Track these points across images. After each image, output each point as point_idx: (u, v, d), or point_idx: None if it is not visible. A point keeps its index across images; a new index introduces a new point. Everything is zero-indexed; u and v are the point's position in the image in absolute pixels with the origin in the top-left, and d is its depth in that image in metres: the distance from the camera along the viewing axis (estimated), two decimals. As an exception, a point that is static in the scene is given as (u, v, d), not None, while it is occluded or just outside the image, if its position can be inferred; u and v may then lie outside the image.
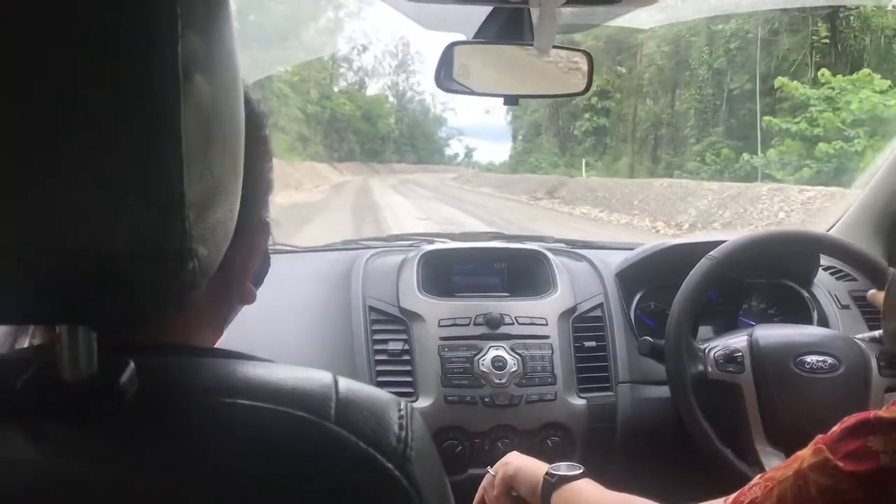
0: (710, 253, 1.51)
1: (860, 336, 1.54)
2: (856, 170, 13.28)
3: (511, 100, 1.48)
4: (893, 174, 1.94)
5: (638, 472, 1.50)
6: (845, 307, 1.78)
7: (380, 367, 1.57)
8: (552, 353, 1.61)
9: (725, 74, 24.22)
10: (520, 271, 1.80)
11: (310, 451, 0.49)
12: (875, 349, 1.47)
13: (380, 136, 67.40)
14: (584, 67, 1.48)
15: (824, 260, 1.84)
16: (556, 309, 1.68)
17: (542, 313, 1.66)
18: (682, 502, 0.97)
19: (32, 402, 0.47)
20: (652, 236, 13.54)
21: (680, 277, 1.54)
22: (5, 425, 0.47)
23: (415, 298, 1.65)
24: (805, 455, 0.87)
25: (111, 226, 0.42)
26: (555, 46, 1.44)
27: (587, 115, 34.09)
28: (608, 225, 16.85)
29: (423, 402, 1.54)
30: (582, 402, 1.60)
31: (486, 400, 1.55)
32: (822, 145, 15.83)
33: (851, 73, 16.83)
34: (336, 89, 57.74)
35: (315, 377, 0.54)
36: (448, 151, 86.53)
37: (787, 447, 1.38)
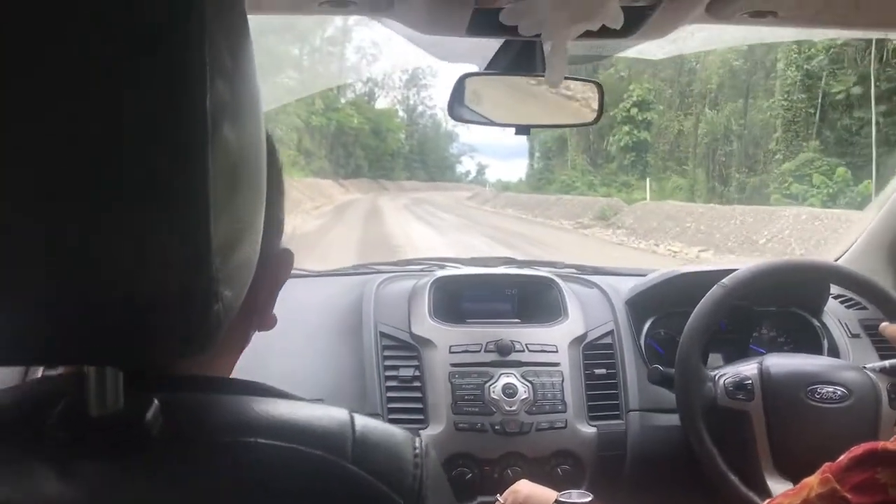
0: (722, 281, 1.52)
1: (871, 366, 1.54)
2: None
3: (523, 130, 1.50)
4: None
5: (647, 501, 1.50)
6: (856, 336, 1.78)
7: (391, 394, 1.58)
8: (563, 380, 1.61)
9: (820, 77, 20.41)
10: (530, 298, 1.80)
11: (328, 491, 0.50)
12: (886, 380, 1.47)
13: (389, 151, 63.84)
14: (595, 98, 1.50)
15: (835, 289, 1.84)
16: (566, 336, 1.68)
17: (552, 340, 1.67)
18: None
19: (63, 438, 0.48)
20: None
21: (690, 305, 1.55)
22: (37, 460, 0.48)
23: (426, 325, 1.66)
24: (812, 483, 0.87)
25: (140, 270, 0.44)
26: (567, 78, 1.47)
27: (626, 128, 30.70)
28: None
29: (433, 430, 1.55)
30: (592, 429, 1.60)
31: (496, 427, 1.55)
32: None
33: None
34: (343, 101, 53.58)
35: (332, 415, 0.55)
36: (459, 169, 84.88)
37: (796, 476, 1.37)
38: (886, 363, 1.54)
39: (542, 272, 1.87)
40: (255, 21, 0.56)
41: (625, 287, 1.84)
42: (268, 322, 0.71)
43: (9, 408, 0.53)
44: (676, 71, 30.20)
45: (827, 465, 0.88)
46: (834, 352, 1.75)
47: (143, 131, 0.43)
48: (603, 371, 1.67)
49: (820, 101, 20.42)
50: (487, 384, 1.58)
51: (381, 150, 61.35)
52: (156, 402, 0.50)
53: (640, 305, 1.79)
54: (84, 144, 0.42)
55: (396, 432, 0.57)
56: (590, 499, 1.12)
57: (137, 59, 0.42)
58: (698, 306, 1.51)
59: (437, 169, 76.74)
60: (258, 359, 1.48)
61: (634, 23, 1.16)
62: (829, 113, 19.98)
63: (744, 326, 1.82)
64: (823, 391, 1.44)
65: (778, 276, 1.54)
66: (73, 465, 0.47)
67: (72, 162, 0.42)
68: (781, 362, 1.51)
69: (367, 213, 27.45)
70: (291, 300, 1.73)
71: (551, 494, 1.15)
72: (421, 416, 1.57)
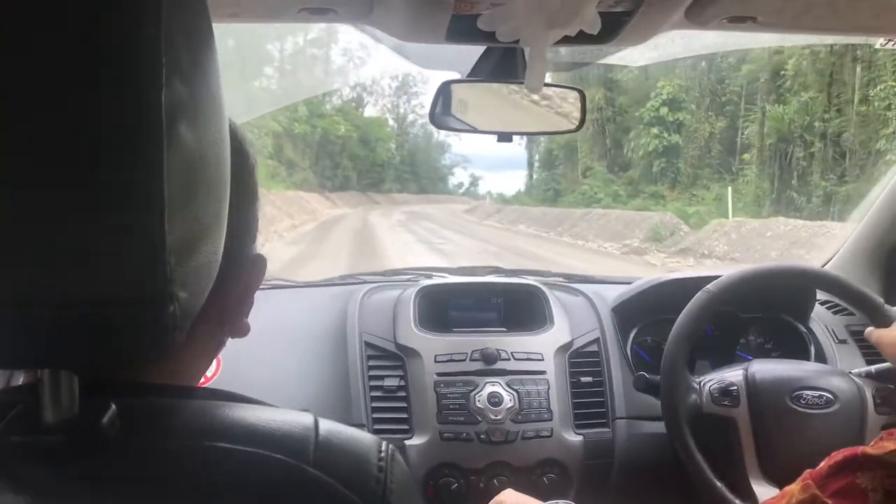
0: (706, 287, 1.52)
1: (856, 371, 1.53)
2: None
3: (505, 137, 1.50)
4: (889, 207, 1.95)
5: None
6: (842, 342, 1.78)
7: (375, 404, 1.57)
8: (548, 388, 1.61)
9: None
10: (516, 306, 1.80)
11: (289, 494, 0.49)
12: (871, 385, 1.47)
13: (379, 162, 58.58)
14: (578, 105, 1.50)
15: (821, 294, 1.84)
16: (552, 344, 1.68)
17: (538, 349, 1.66)
18: None
19: (14, 446, 0.47)
20: None
21: (676, 312, 1.54)
22: None
23: (411, 334, 1.65)
24: (794, 491, 0.87)
25: (92, 272, 0.43)
26: (549, 85, 1.47)
27: (655, 131, 26.20)
28: None
29: (418, 439, 1.54)
30: (578, 438, 1.60)
31: (481, 436, 1.54)
32: None
33: None
34: (329, 107, 48.30)
35: (295, 419, 0.54)
36: (452, 180, 78.53)
37: (782, 482, 1.37)
38: (872, 368, 1.54)
39: (528, 280, 1.87)
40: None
41: (611, 295, 1.84)
42: (240, 328, 0.70)
43: None
44: (706, 67, 26.39)
45: (808, 471, 0.87)
46: (821, 357, 1.75)
47: (95, 130, 0.42)
48: (589, 379, 1.67)
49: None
50: (473, 393, 1.57)
51: (370, 160, 56.88)
52: (113, 406, 0.49)
53: (626, 313, 1.79)
54: (36, 143, 0.42)
55: (362, 437, 0.56)
56: None
57: (91, 57, 0.42)
58: (683, 312, 1.51)
59: (428, 180, 71.96)
60: (243, 369, 1.49)
61: (613, 28, 1.16)
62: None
63: (731, 333, 1.82)
64: (809, 397, 1.44)
65: (762, 282, 1.54)
66: (23, 469, 0.47)
67: (23, 161, 0.42)
68: (767, 368, 1.51)
69: (356, 233, 22.49)
70: (276, 311, 1.74)
71: None
72: (406, 426, 1.56)
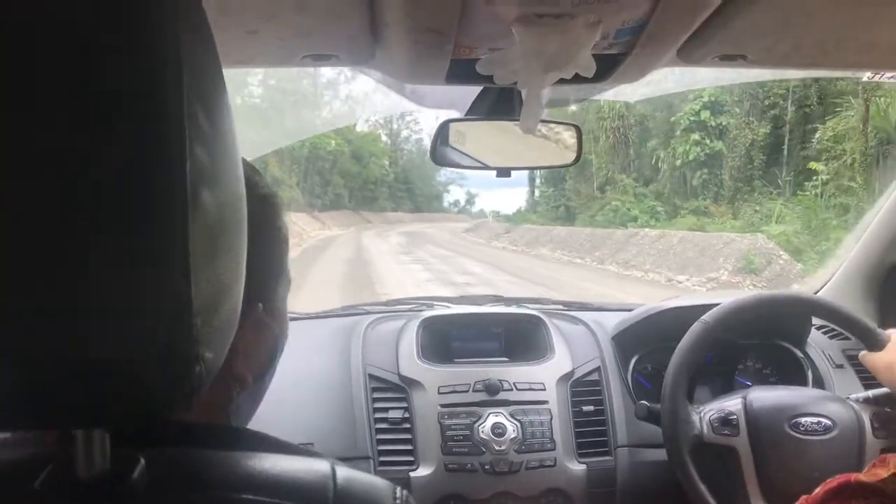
0: (702, 318, 1.54)
1: (854, 396, 1.55)
2: None
3: (504, 172, 1.53)
4: (883, 232, 1.97)
5: None
6: (839, 367, 1.80)
7: (380, 436, 1.58)
8: (551, 418, 1.62)
9: None
10: (517, 336, 1.82)
11: None
12: (869, 410, 1.49)
13: (372, 179, 55.06)
14: (574, 140, 1.53)
15: (817, 320, 1.86)
16: (553, 374, 1.70)
17: (540, 378, 1.68)
18: None
19: (52, 502, 0.50)
20: None
21: (676, 339, 1.56)
22: None
23: (414, 366, 1.67)
24: None
25: (123, 334, 0.45)
26: (545, 121, 1.50)
27: (696, 136, 22.88)
28: None
29: (423, 471, 1.55)
30: (581, 466, 1.61)
31: (486, 467, 1.55)
32: None
33: None
34: (318, 121, 46.21)
35: (314, 468, 0.57)
36: (447, 198, 77.75)
37: None
38: (870, 393, 1.56)
39: (528, 310, 1.89)
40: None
41: (610, 323, 1.86)
42: (243, 380, 0.72)
43: None
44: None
45: (804, 498, 0.89)
46: (819, 383, 1.77)
47: (123, 200, 0.44)
48: (591, 408, 1.68)
49: None
50: (476, 424, 1.59)
51: (362, 177, 53.16)
52: (142, 460, 0.51)
53: (627, 341, 1.81)
54: (67, 212, 0.43)
55: (377, 483, 0.58)
56: None
57: (115, 129, 0.44)
58: (680, 344, 1.53)
59: (423, 199, 70.09)
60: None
61: (607, 69, 1.20)
62: None
63: (729, 359, 1.84)
64: (807, 423, 1.46)
65: (758, 311, 1.56)
66: None
67: (55, 228, 0.43)
68: (764, 396, 1.53)
69: (348, 262, 19.02)
70: None
71: None
72: (411, 458, 1.57)
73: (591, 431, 1.66)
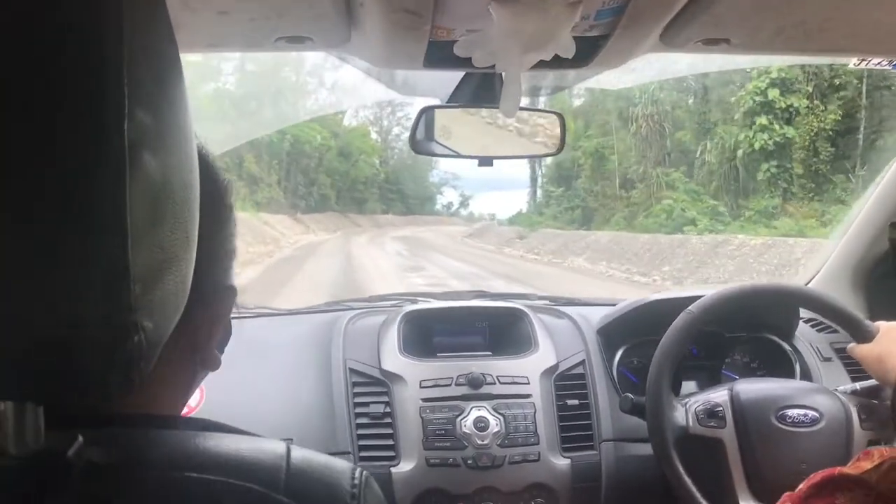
0: (688, 308, 1.52)
1: (842, 388, 1.54)
2: None
3: (486, 161, 1.51)
4: (870, 223, 1.96)
5: None
6: (827, 359, 1.78)
7: (361, 431, 1.56)
8: (535, 412, 1.60)
9: None
10: (501, 330, 1.80)
11: None
12: (856, 401, 1.47)
13: (362, 179, 49.91)
14: (557, 128, 1.51)
15: (805, 313, 1.84)
16: (537, 367, 1.67)
17: (523, 372, 1.66)
18: None
19: None
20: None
21: (661, 333, 1.54)
22: None
23: (396, 360, 1.65)
24: None
25: (54, 301, 0.43)
26: (526, 109, 1.48)
27: (763, 121, 18.46)
28: None
29: (404, 466, 1.53)
30: (566, 461, 1.59)
31: (468, 462, 1.53)
32: None
33: None
34: (302, 112, 41.80)
35: (267, 448, 0.54)
36: (440, 200, 70.96)
37: (771, 501, 1.37)
38: (857, 385, 1.54)
39: (513, 304, 1.87)
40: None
41: (595, 317, 1.84)
42: (211, 361, 0.70)
43: None
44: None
45: (787, 494, 0.87)
46: (806, 375, 1.75)
47: (55, 158, 0.42)
48: (575, 402, 1.66)
49: None
50: (459, 418, 1.56)
51: (351, 176, 47.86)
52: (80, 438, 0.48)
53: (612, 334, 1.79)
54: None
55: (335, 464, 0.56)
56: None
57: (50, 86, 0.42)
58: (665, 335, 1.51)
59: (416, 201, 64.41)
60: (227, 398, 1.47)
61: (588, 53, 1.17)
62: None
63: (716, 353, 1.82)
64: (794, 414, 1.44)
65: (743, 301, 1.55)
66: None
67: None
68: (751, 387, 1.51)
69: (333, 284, 14.05)
70: (260, 338, 1.73)
71: None
72: (392, 453, 1.55)
73: (575, 425, 1.64)
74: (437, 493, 1.53)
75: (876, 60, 1.41)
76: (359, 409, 1.58)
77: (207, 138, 0.68)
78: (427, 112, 1.46)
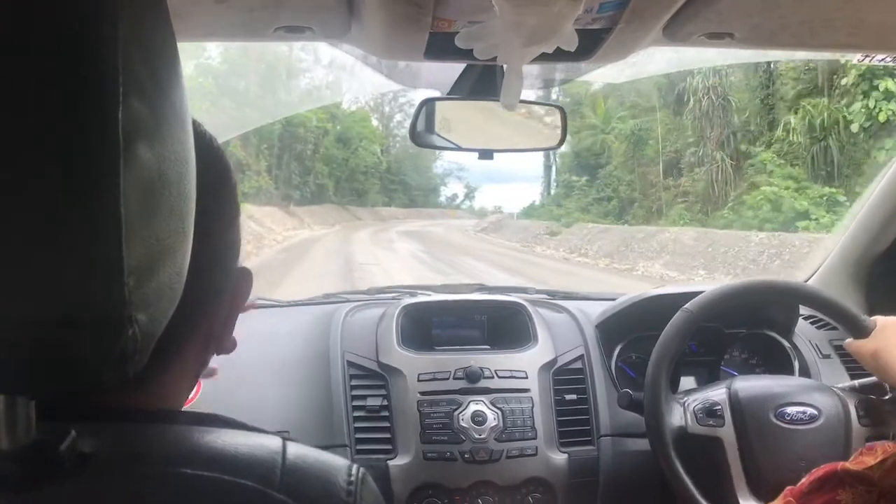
0: (685, 306, 1.51)
1: (841, 385, 1.53)
2: None
3: (486, 154, 1.50)
4: (870, 220, 1.95)
5: None
6: (826, 356, 1.78)
7: (358, 424, 1.55)
8: (532, 406, 1.59)
9: None
10: (500, 324, 1.79)
11: None
12: (854, 398, 1.47)
13: (362, 168, 45.30)
14: (559, 121, 1.50)
15: (805, 309, 1.84)
16: (536, 362, 1.67)
17: (522, 366, 1.65)
18: None
19: None
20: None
21: (660, 328, 1.53)
22: None
23: (394, 353, 1.64)
24: None
25: (46, 294, 0.42)
26: (529, 102, 1.47)
27: (889, 84, 14.59)
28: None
29: (401, 460, 1.52)
30: (563, 456, 1.58)
31: (465, 456, 1.52)
32: None
33: None
34: (296, 93, 34.10)
35: (263, 443, 0.53)
36: (445, 192, 68.62)
37: (770, 499, 1.36)
38: (856, 383, 1.54)
39: (512, 298, 1.86)
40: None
41: (595, 311, 1.83)
42: (227, 345, 0.70)
43: None
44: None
45: (789, 488, 0.87)
46: (805, 372, 1.75)
47: (47, 149, 0.41)
48: (573, 396, 1.66)
49: None
50: (456, 412, 1.56)
51: (350, 164, 43.21)
52: (72, 433, 0.48)
53: (611, 329, 1.78)
54: None
55: (331, 460, 0.55)
56: None
57: (42, 76, 0.41)
58: (663, 333, 1.50)
59: (419, 192, 61.46)
60: (224, 390, 1.47)
61: (591, 46, 1.16)
62: None
63: (715, 349, 1.82)
64: (792, 412, 1.44)
65: (741, 299, 1.54)
66: None
67: None
68: (749, 385, 1.50)
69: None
70: (258, 331, 1.72)
71: None
72: (389, 446, 1.54)
73: (573, 420, 1.64)
74: (433, 486, 1.52)
75: (880, 56, 1.40)
76: (356, 402, 1.58)
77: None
78: (427, 104, 1.45)
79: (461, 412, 1.55)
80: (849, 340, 1.44)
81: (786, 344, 1.81)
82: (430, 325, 1.76)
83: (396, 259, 18.62)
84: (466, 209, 63.70)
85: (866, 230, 1.97)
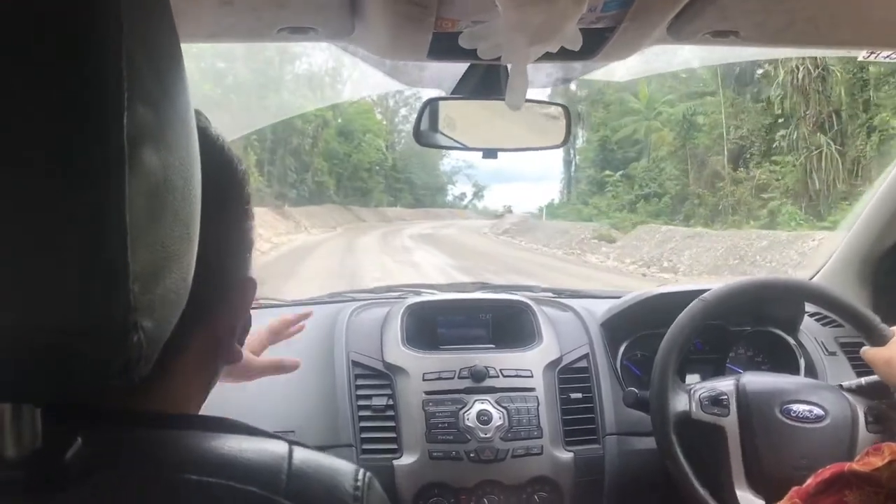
0: (702, 296, 1.51)
1: (847, 384, 1.52)
2: None
3: (491, 153, 1.50)
4: (876, 217, 1.94)
5: None
6: (832, 354, 1.77)
7: (363, 424, 1.55)
8: (538, 405, 1.59)
9: None
10: (505, 322, 1.79)
11: None
12: (863, 403, 1.45)
13: (365, 164, 41.65)
14: (563, 120, 1.50)
15: (810, 307, 1.84)
16: (541, 360, 1.67)
17: (527, 365, 1.65)
18: None
19: None
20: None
21: (665, 326, 1.53)
22: None
23: (399, 352, 1.64)
24: None
25: (51, 300, 0.42)
26: (533, 101, 1.46)
27: None
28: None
29: (407, 459, 1.52)
30: (569, 455, 1.58)
31: (471, 455, 1.52)
32: None
33: None
34: (290, 77, 30.18)
35: (268, 449, 0.53)
36: (453, 190, 64.80)
37: (767, 493, 1.37)
38: (863, 381, 1.53)
39: (517, 296, 1.86)
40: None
41: (599, 309, 1.83)
42: (232, 354, 0.69)
43: None
44: None
45: (795, 489, 0.87)
46: (811, 370, 1.74)
47: (53, 155, 0.41)
48: (579, 395, 1.65)
49: None
50: (462, 411, 1.56)
51: (354, 160, 39.49)
52: (78, 439, 0.48)
53: (616, 327, 1.78)
54: None
55: (337, 465, 0.55)
56: None
57: (46, 82, 0.41)
58: (677, 320, 1.51)
59: (425, 191, 58.32)
60: (229, 390, 1.46)
61: (595, 45, 1.16)
62: None
63: (720, 346, 1.81)
64: (799, 410, 1.43)
65: (759, 294, 1.54)
66: None
67: None
68: (759, 380, 1.50)
69: None
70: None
71: None
72: (395, 446, 1.54)
73: (578, 419, 1.63)
74: (439, 486, 1.52)
75: (885, 54, 1.39)
76: (361, 402, 1.58)
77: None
78: (431, 103, 1.45)
79: (466, 411, 1.55)
80: (865, 348, 1.43)
81: (791, 341, 1.80)
82: (435, 324, 1.76)
83: (421, 278, 13.18)
84: (475, 209, 61.28)
85: (872, 227, 1.96)
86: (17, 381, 0.45)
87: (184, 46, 0.53)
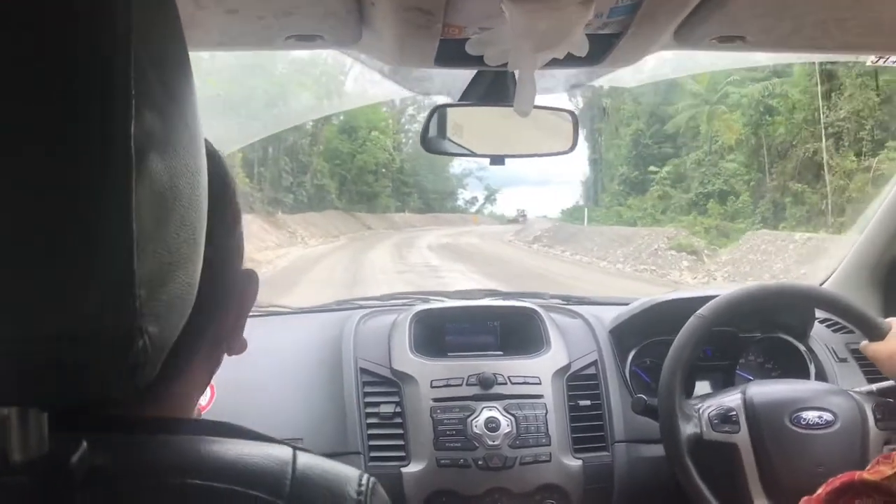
0: (698, 311, 1.50)
1: (858, 390, 1.51)
2: None
3: (498, 160, 1.50)
4: (888, 223, 1.94)
5: None
6: (843, 360, 1.76)
7: (371, 431, 1.55)
8: (546, 412, 1.59)
9: None
10: (513, 329, 1.78)
11: None
12: (871, 401, 1.45)
13: (371, 166, 37.63)
14: (570, 126, 1.50)
15: (820, 312, 1.83)
16: (549, 367, 1.66)
17: (535, 372, 1.65)
18: None
19: None
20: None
21: (674, 332, 1.53)
22: None
23: (407, 360, 1.64)
24: None
25: (57, 306, 0.42)
26: (541, 107, 1.46)
27: None
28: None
29: (415, 467, 1.52)
30: (577, 462, 1.58)
31: (479, 462, 1.52)
32: None
33: None
34: (282, 66, 25.42)
35: (272, 454, 0.53)
36: (463, 195, 61.90)
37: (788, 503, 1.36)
38: (874, 387, 1.52)
39: (525, 303, 1.85)
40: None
41: (608, 316, 1.82)
42: (239, 346, 0.70)
43: None
44: None
45: (805, 498, 0.86)
46: (821, 376, 1.73)
47: (60, 162, 0.41)
48: (587, 402, 1.65)
49: None
50: (470, 419, 1.55)
51: (358, 162, 35.78)
52: (84, 444, 0.48)
53: (624, 334, 1.78)
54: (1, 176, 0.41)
55: (341, 470, 0.55)
56: None
57: (54, 88, 0.41)
58: (676, 339, 1.50)
59: (435, 195, 55.10)
60: (237, 397, 1.47)
61: (602, 50, 1.16)
62: None
63: (730, 353, 1.80)
64: (808, 417, 1.42)
65: (754, 303, 1.53)
66: None
67: None
68: (764, 390, 1.49)
69: None
70: (271, 337, 1.72)
71: None
72: (403, 453, 1.54)
73: (587, 426, 1.63)
74: (447, 494, 1.52)
75: (894, 58, 1.38)
76: (369, 409, 1.58)
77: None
78: (439, 110, 1.45)
79: (474, 419, 1.55)
80: (864, 343, 1.42)
81: (801, 348, 1.79)
82: (443, 331, 1.76)
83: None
84: (487, 214, 58.76)
85: (883, 232, 1.95)
86: (24, 386, 0.45)
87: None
